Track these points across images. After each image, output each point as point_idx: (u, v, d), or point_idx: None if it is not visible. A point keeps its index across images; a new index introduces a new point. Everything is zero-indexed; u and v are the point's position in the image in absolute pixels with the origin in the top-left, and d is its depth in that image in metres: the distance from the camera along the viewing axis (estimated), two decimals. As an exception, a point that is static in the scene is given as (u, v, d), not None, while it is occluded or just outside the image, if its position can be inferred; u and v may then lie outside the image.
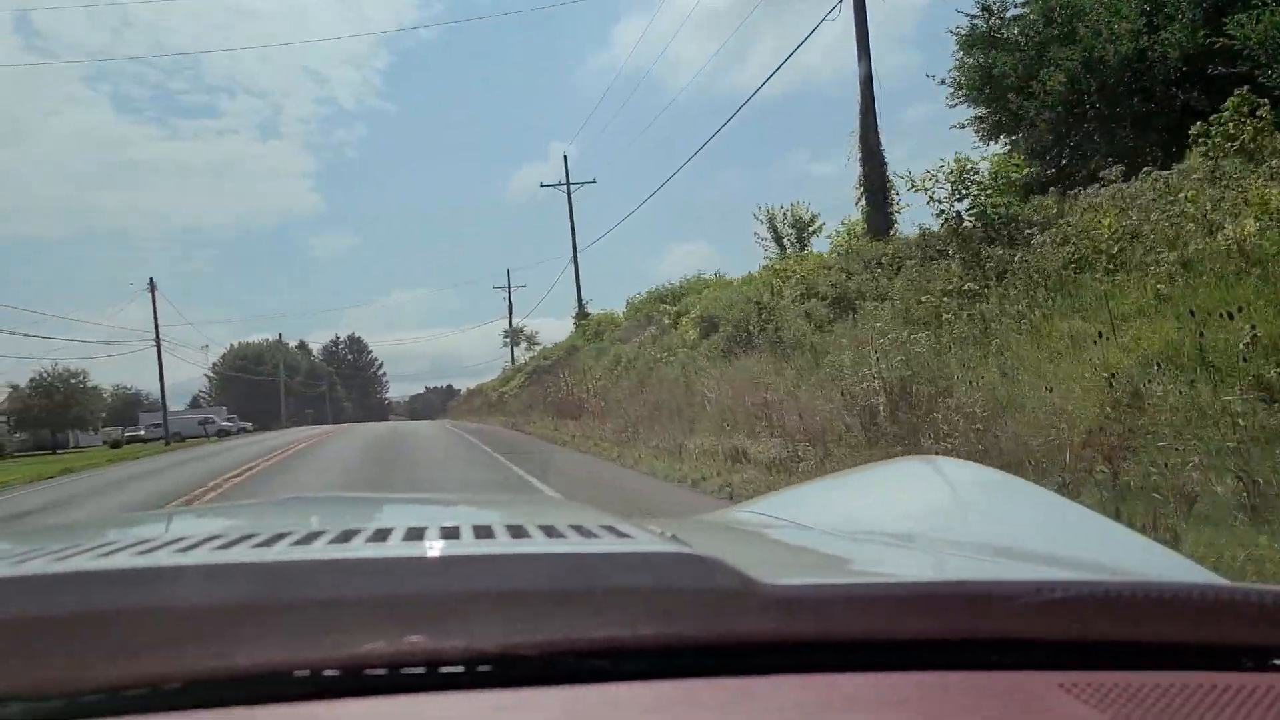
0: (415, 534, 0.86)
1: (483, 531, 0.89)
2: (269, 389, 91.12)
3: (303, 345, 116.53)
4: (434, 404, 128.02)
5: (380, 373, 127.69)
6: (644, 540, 0.87)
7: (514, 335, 56.49)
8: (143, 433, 59.35)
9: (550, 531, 0.90)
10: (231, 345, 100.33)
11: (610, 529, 0.94)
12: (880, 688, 0.70)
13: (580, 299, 39.85)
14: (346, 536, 0.85)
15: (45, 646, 0.64)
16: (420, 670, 0.66)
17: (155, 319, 49.91)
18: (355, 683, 0.65)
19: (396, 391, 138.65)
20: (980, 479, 1.49)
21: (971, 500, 1.37)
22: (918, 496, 1.47)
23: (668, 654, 0.70)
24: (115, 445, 49.85)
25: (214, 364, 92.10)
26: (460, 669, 0.67)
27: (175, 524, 1.41)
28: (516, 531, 0.90)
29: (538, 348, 48.54)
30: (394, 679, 0.66)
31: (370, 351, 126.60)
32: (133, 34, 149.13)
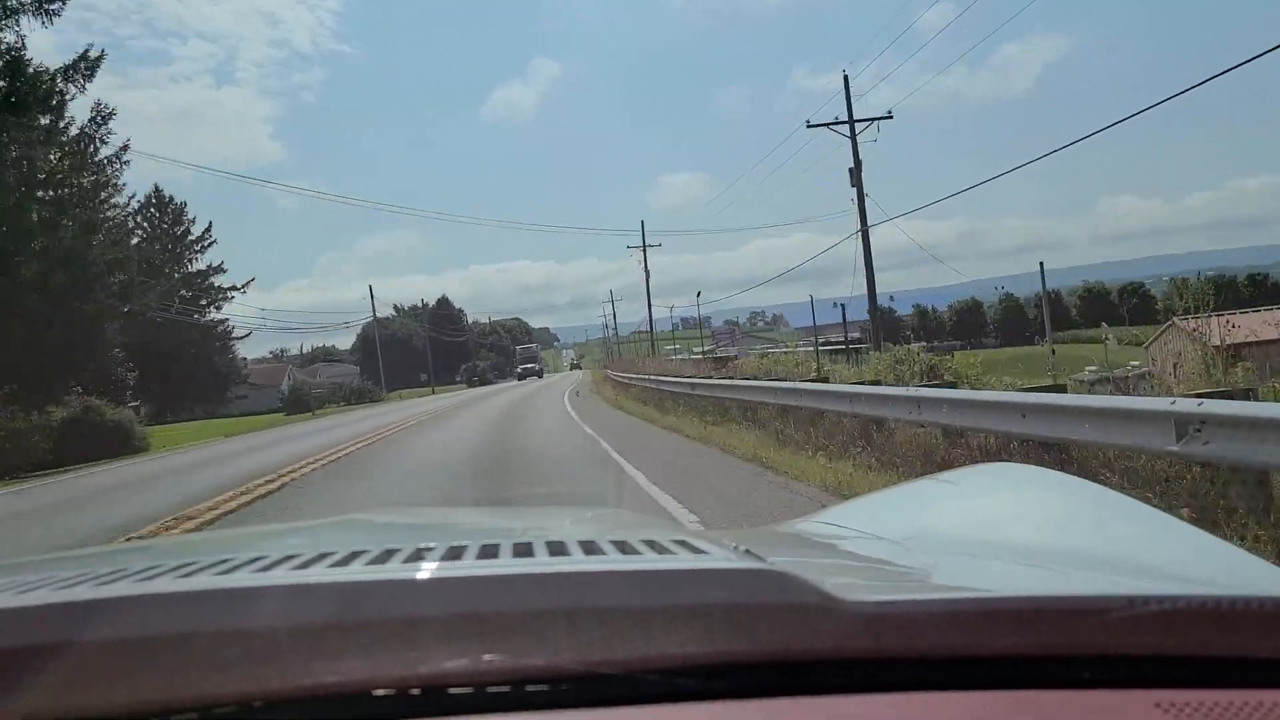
0: (489, 552, 0.87)
1: (556, 548, 0.89)
2: None
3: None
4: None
5: (204, 244, 59.23)
6: (720, 555, 0.86)
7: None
8: None
9: (624, 547, 0.90)
10: None
11: (684, 544, 0.93)
12: (968, 706, 0.68)
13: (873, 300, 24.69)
14: (421, 555, 0.86)
15: (131, 667, 0.65)
16: (498, 689, 0.66)
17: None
18: (434, 702, 0.66)
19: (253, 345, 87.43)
20: (1061, 486, 1.43)
21: (1055, 509, 1.31)
22: (995, 505, 1.41)
23: (748, 672, 0.69)
24: None
25: None
26: (540, 688, 0.66)
27: (251, 543, 1.42)
28: (590, 548, 0.89)
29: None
30: (473, 698, 0.66)
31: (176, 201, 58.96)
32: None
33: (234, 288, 62.49)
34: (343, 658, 0.65)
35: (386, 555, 0.85)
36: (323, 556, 0.86)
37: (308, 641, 0.66)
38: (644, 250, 53.16)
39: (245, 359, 70.12)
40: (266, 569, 0.81)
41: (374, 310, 74.80)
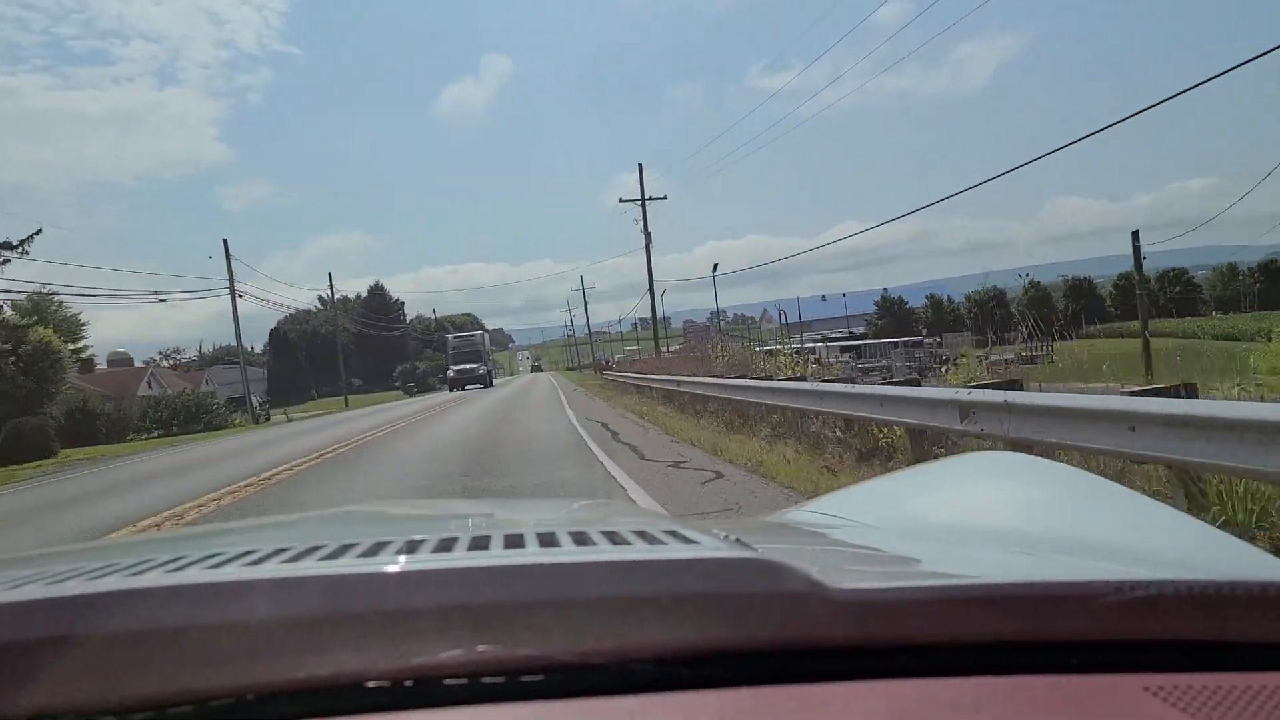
0: (480, 543, 0.87)
1: (547, 539, 0.89)
2: None
3: None
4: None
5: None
6: (710, 545, 0.86)
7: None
8: None
9: (614, 538, 0.90)
10: None
11: (674, 534, 0.93)
12: (958, 692, 0.68)
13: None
14: (413, 547, 0.86)
15: (123, 662, 0.66)
16: (490, 680, 0.67)
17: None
18: (428, 693, 0.66)
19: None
20: (1049, 473, 1.42)
21: (1043, 496, 1.31)
22: (985, 493, 1.41)
23: (739, 660, 0.69)
24: None
25: None
26: (532, 678, 0.67)
27: (242, 537, 1.41)
28: (580, 539, 0.90)
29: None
30: (467, 689, 0.66)
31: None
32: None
33: (8, 245, 35.18)
34: (336, 650, 0.66)
35: (378, 548, 0.85)
36: (314, 550, 0.85)
37: (300, 634, 0.67)
38: (643, 205, 37.82)
39: (81, 360, 49.26)
40: (257, 563, 0.81)
41: (230, 275, 46.58)
